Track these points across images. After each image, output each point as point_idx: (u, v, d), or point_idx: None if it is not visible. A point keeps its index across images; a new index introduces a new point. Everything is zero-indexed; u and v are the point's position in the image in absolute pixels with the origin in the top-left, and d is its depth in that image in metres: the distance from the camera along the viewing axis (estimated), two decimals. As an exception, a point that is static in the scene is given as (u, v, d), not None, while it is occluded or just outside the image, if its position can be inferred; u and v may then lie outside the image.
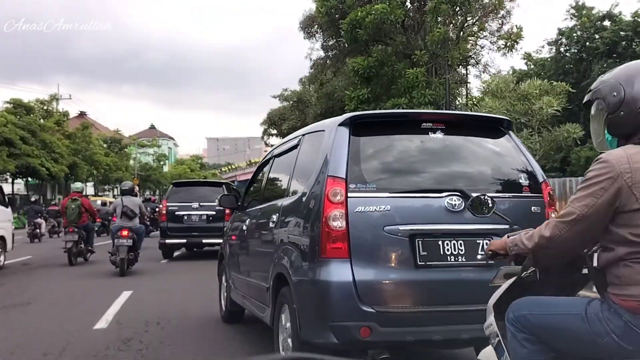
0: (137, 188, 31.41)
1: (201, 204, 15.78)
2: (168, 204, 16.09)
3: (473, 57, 23.25)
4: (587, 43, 36.20)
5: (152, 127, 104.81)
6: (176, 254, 16.85)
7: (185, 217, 15.88)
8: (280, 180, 5.68)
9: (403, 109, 17.66)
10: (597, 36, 35.46)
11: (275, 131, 37.92)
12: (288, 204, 4.86)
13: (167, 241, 15.74)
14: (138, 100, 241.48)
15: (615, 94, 2.45)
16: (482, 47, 23.26)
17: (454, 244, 4.12)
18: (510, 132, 4.75)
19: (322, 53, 27.12)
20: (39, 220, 24.09)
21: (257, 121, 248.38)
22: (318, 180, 4.26)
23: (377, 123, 4.65)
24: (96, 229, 19.16)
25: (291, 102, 34.62)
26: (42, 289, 10.61)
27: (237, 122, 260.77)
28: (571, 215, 2.35)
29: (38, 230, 23.71)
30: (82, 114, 70.02)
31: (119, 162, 58.46)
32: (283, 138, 10.16)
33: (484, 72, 23.95)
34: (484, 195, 4.08)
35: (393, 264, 4.05)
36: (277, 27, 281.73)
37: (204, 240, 15.74)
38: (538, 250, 2.47)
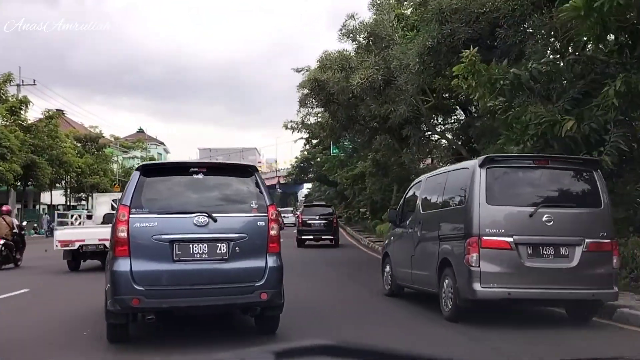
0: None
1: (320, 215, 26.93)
2: (303, 216, 27.33)
3: None
4: None
5: (141, 130, 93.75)
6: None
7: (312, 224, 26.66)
8: None
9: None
10: None
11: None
12: None
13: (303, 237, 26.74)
14: (134, 112, 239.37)
15: None
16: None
17: (200, 246, 6.70)
18: (255, 173, 7.37)
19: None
20: None
21: (252, 133, 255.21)
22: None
23: (161, 169, 8.06)
24: None
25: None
26: None
27: (232, 134, 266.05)
28: None
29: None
30: (60, 113, 58.95)
31: (96, 165, 47.69)
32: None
33: None
34: (214, 214, 6.78)
35: (158, 260, 6.61)
36: (274, 43, 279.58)
37: (323, 237, 26.34)
38: None
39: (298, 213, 32.92)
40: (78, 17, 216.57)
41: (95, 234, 15.42)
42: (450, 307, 8.18)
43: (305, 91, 20.64)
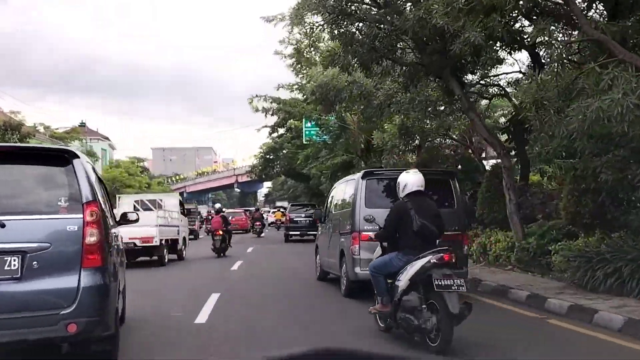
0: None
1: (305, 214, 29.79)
2: (290, 215, 31.22)
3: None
4: None
5: (83, 124, 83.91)
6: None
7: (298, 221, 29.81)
8: None
9: None
10: None
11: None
12: None
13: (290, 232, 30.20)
14: (89, 111, 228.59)
15: None
16: None
17: None
18: (75, 160, 5.46)
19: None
20: None
21: (209, 133, 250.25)
22: None
23: None
24: None
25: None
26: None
27: (190, 135, 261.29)
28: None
29: None
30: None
31: (16, 157, 38.91)
32: None
33: None
34: (1, 216, 5.03)
35: None
36: (231, 44, 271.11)
37: (308, 232, 28.18)
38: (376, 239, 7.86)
39: (286, 212, 34.51)
40: (27, 15, 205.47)
41: (125, 233, 15.17)
42: (345, 286, 10.82)
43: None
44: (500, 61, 14.39)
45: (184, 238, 19.98)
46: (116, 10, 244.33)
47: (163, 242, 17.36)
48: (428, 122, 15.12)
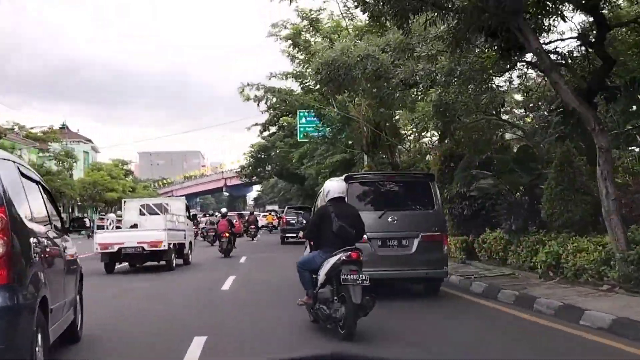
0: None
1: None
2: (286, 217, 33.81)
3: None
4: None
5: (64, 126, 79.99)
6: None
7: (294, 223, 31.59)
8: None
9: None
10: None
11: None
12: None
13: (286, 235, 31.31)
14: (74, 117, 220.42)
15: None
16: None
17: None
18: None
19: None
20: None
21: (197, 137, 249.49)
22: None
23: None
24: None
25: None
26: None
27: (177, 139, 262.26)
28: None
29: None
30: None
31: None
32: None
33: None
34: None
35: None
36: (219, 48, 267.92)
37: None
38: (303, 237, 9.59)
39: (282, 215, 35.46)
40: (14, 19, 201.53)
41: (133, 237, 16.85)
42: None
43: None
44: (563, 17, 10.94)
45: (190, 242, 19.86)
46: (116, 11, 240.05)
47: (171, 246, 17.03)
48: (472, 95, 11.69)
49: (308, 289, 7.87)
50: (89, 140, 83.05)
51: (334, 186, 8.21)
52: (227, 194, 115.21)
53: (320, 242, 7.95)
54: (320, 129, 30.44)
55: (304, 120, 35.52)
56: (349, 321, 7.06)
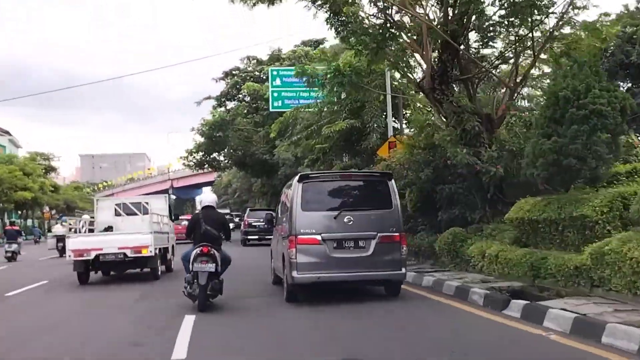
0: None
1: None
2: (249, 219, 31.66)
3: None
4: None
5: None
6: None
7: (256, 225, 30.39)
8: None
9: None
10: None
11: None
12: None
13: (248, 236, 31.26)
14: (20, 119, 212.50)
15: None
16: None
17: None
18: None
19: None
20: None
21: (145, 140, 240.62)
22: None
23: None
24: None
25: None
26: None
27: (125, 142, 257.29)
28: None
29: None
30: None
31: None
32: None
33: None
34: None
35: None
36: (170, 47, 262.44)
37: (266, 237, 26.88)
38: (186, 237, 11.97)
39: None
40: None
41: (114, 241, 15.16)
42: (285, 290, 10.77)
43: None
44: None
45: (172, 246, 18.22)
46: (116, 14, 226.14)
47: (156, 251, 15.17)
48: None
49: (187, 274, 10.21)
50: (7, 132, 69.87)
51: (206, 197, 11.30)
52: (174, 196, 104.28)
53: (195, 241, 10.39)
54: (307, 90, 19.55)
55: (278, 81, 25.28)
56: (200, 298, 9.83)
